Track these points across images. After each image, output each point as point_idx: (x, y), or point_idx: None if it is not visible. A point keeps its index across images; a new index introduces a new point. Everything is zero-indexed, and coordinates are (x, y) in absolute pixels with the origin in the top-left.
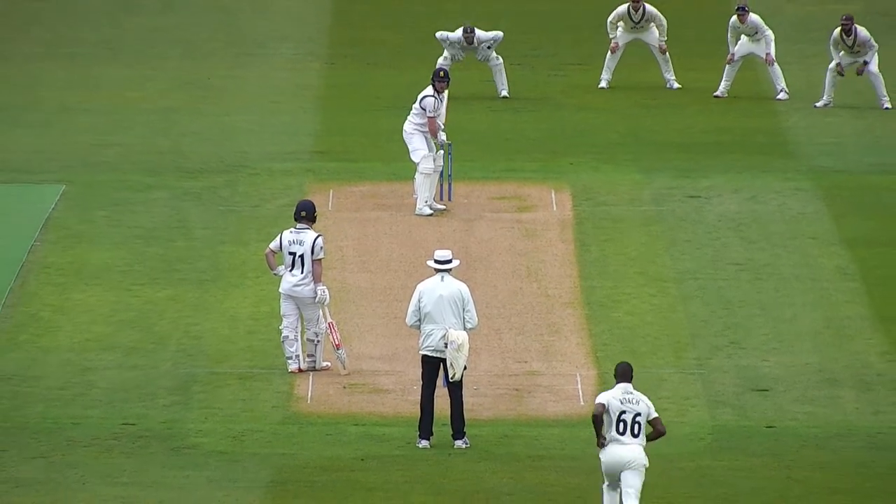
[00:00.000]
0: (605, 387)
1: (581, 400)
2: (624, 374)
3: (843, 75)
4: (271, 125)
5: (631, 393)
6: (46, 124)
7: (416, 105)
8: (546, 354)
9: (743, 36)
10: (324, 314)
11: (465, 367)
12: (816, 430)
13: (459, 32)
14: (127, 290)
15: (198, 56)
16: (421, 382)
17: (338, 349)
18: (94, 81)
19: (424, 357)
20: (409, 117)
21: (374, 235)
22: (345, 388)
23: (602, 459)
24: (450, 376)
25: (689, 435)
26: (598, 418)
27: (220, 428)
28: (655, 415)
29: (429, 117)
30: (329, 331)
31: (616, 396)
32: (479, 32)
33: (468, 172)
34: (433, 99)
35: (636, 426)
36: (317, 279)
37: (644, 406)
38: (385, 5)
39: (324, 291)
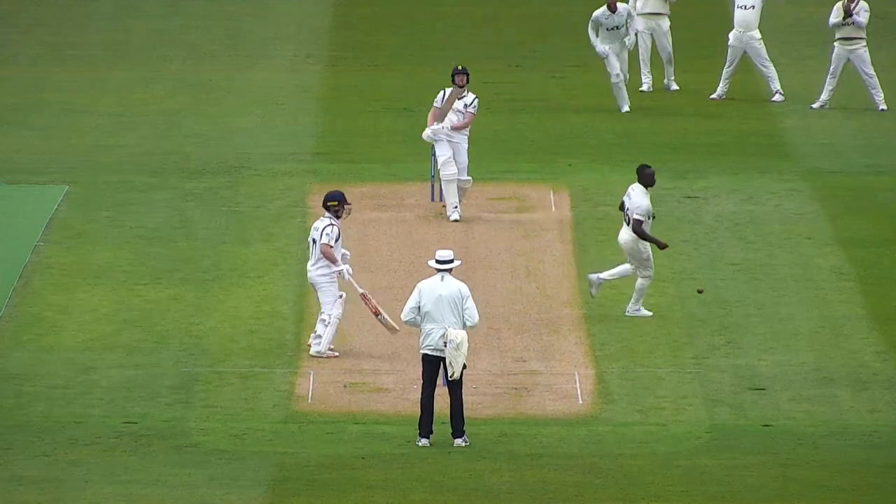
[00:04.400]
0: (603, 385)
1: (579, 398)
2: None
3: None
4: (273, 127)
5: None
6: (51, 126)
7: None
8: (545, 353)
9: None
10: (353, 287)
11: (464, 366)
12: (813, 428)
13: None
14: (129, 289)
15: (201, 58)
16: (421, 381)
17: (377, 315)
18: (99, 84)
19: (424, 356)
20: None
21: (374, 236)
22: (345, 387)
23: None
24: (449, 375)
25: (687, 433)
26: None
27: (222, 426)
28: None
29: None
30: (364, 301)
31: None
32: None
33: (467, 173)
34: (443, 92)
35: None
36: (331, 260)
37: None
38: (385, 8)
39: (348, 269)
